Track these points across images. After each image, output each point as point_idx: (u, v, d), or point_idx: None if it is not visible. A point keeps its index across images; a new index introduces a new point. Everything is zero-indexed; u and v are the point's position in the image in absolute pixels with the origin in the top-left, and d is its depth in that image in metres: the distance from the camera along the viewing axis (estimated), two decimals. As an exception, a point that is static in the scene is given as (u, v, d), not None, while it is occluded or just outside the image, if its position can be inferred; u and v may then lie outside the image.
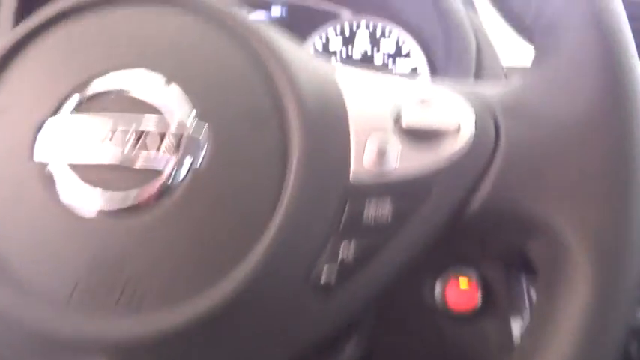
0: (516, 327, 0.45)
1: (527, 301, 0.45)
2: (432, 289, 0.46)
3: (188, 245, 0.25)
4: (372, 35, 0.58)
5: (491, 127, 0.29)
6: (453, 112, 0.29)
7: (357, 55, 0.58)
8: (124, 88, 0.26)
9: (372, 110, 0.28)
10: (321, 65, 0.29)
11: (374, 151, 0.27)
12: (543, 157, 0.28)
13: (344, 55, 0.58)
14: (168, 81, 0.26)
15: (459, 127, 0.28)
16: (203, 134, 0.25)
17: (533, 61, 0.32)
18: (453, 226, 0.28)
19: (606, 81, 0.28)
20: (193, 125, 0.25)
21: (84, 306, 0.24)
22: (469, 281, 0.46)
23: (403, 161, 0.27)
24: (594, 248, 0.26)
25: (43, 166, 0.26)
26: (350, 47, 0.58)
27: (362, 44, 0.58)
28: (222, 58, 0.27)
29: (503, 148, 0.28)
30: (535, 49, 0.32)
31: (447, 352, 0.47)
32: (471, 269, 0.45)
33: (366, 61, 0.58)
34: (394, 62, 0.58)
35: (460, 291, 0.46)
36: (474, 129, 0.28)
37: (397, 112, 0.28)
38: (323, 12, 0.57)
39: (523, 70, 0.32)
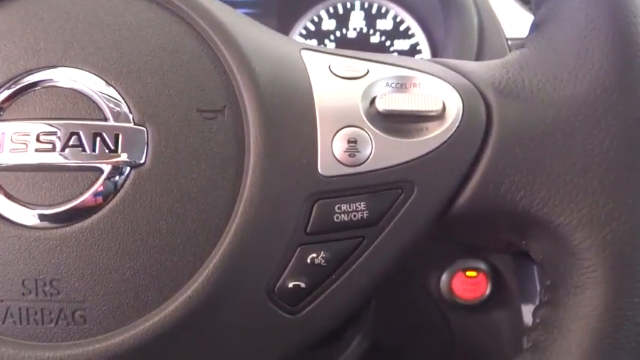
0: (528, 314, 0.44)
1: (539, 289, 0.44)
2: (439, 279, 0.44)
3: (134, 254, 0.22)
4: (368, 14, 0.56)
5: (481, 108, 0.25)
6: (436, 93, 0.25)
7: (351, 35, 0.56)
8: (56, 84, 0.23)
9: (343, 93, 0.25)
10: (283, 44, 0.26)
11: (345, 139, 0.24)
12: (543, 142, 0.24)
13: (338, 35, 0.56)
14: (105, 75, 0.23)
15: (443, 109, 0.25)
16: (144, 129, 0.23)
17: (530, 31, 0.27)
18: (438, 224, 0.25)
19: (618, 49, 0.24)
20: (132, 120, 0.23)
21: (16, 334, 0.22)
22: (477, 271, 0.44)
23: (379, 150, 0.24)
24: (607, 252, 0.23)
25: None
26: (344, 29, 0.56)
27: (356, 24, 0.56)
28: (165, 42, 0.24)
29: (496, 132, 0.24)
30: (533, 16, 0.28)
31: (455, 342, 0.45)
32: (479, 260, 0.44)
33: (362, 40, 0.55)
34: (392, 41, 0.55)
35: (467, 279, 0.44)
36: (461, 111, 0.25)
37: (371, 94, 0.25)
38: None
39: (521, 41, 0.29)
